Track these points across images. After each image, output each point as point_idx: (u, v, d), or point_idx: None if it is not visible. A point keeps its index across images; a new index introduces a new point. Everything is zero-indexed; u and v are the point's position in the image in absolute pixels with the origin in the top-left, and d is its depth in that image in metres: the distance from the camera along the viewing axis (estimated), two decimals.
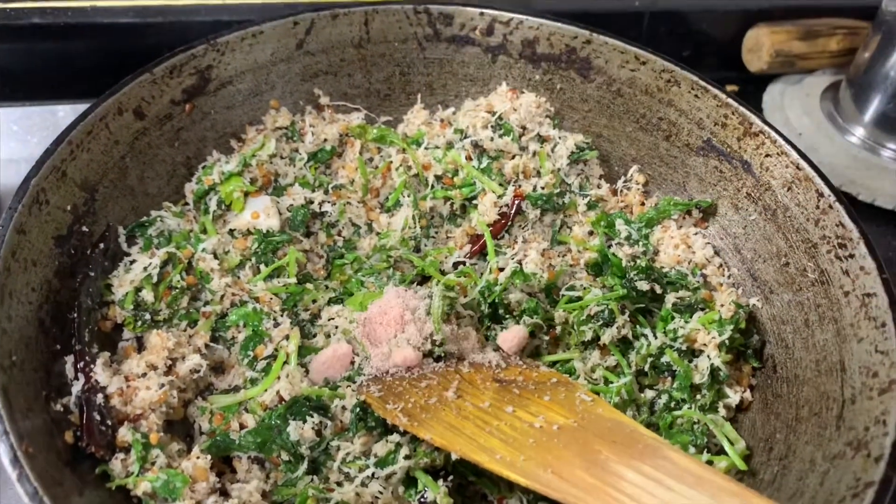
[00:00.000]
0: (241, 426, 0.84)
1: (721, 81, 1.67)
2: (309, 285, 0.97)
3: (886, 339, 0.77)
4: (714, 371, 0.88)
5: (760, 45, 1.63)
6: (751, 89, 1.66)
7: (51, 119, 1.43)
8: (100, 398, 0.75)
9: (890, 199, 1.43)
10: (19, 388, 0.70)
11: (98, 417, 0.74)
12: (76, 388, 0.75)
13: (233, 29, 1.01)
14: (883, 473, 0.67)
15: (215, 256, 0.94)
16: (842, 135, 1.55)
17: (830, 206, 0.89)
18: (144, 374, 0.80)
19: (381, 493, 0.79)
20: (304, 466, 0.82)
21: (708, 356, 0.89)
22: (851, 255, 0.85)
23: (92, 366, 0.78)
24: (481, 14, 1.09)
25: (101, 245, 0.88)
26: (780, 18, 1.64)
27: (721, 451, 0.85)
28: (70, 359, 0.78)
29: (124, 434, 0.76)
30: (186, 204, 1.00)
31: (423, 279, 1.00)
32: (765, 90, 1.66)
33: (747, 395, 0.90)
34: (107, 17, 1.44)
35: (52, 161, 0.84)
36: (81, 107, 1.43)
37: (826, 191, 0.90)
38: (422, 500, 0.79)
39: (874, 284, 0.81)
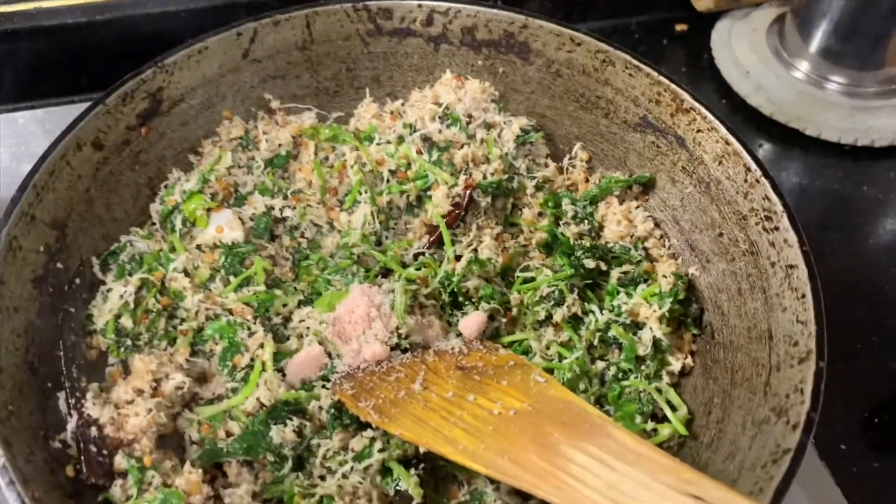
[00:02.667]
0: (228, 434, 0.92)
1: (671, 22, 1.72)
2: (278, 291, 1.03)
3: (806, 310, 0.85)
4: (656, 342, 0.96)
5: None
6: (700, 27, 1.69)
7: (13, 126, 1.45)
8: (94, 431, 0.83)
9: (835, 132, 1.48)
10: (19, 435, 0.76)
11: (94, 449, 0.81)
12: (71, 424, 0.82)
13: (178, 48, 1.04)
14: (798, 441, 0.76)
15: (186, 274, 0.99)
16: (787, 70, 1.59)
17: (757, 181, 0.95)
18: (132, 401, 0.87)
19: (360, 483, 0.87)
20: (288, 465, 0.89)
21: (650, 328, 0.97)
22: (776, 228, 0.92)
23: (83, 401, 0.84)
24: (419, 6, 1.12)
25: (78, 279, 0.94)
26: None
27: (666, 418, 0.93)
28: (62, 395, 0.85)
29: (120, 461, 0.83)
30: (153, 224, 1.05)
31: (387, 271, 1.06)
32: (714, 27, 1.69)
33: (689, 360, 0.99)
34: (54, 19, 1.45)
35: (19, 208, 0.88)
36: (40, 112, 1.47)
37: (753, 165, 0.95)
38: (397, 488, 0.87)
39: (796, 257, 0.88)
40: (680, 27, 1.72)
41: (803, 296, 0.86)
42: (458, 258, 1.04)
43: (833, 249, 1.35)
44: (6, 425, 0.75)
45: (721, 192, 0.99)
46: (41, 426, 0.81)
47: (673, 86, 1.03)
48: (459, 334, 1.01)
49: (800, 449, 0.75)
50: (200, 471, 0.86)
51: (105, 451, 0.82)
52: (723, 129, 0.99)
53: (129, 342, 0.95)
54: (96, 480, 0.81)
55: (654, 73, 1.04)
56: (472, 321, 1.00)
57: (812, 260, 0.87)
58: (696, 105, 1.01)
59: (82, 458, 0.80)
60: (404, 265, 1.06)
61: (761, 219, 0.94)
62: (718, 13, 1.70)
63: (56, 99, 1.49)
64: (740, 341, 0.93)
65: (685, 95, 1.02)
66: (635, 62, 1.06)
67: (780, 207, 0.92)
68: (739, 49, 1.64)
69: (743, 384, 0.89)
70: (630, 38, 1.68)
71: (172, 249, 1.02)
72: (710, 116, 1.00)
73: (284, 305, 1.02)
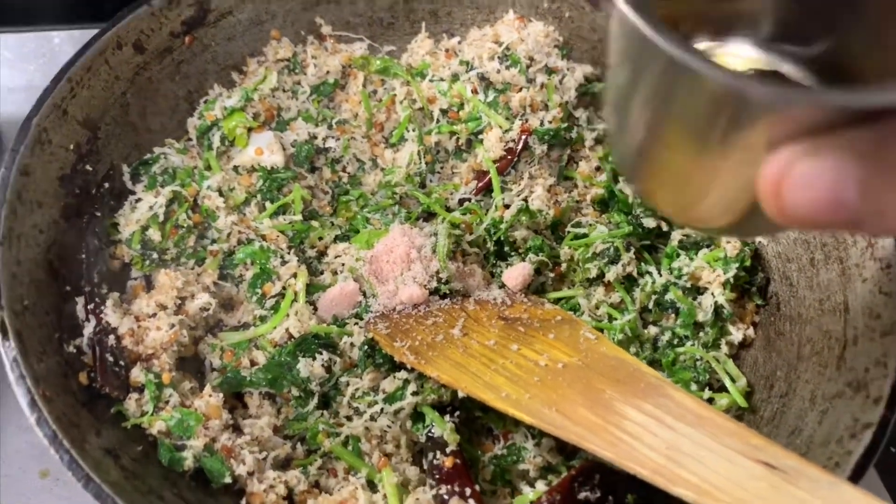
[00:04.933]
0: (252, 363, 0.86)
1: None
2: (315, 223, 0.97)
3: (891, 281, 0.77)
4: (718, 308, 0.89)
5: None
6: None
7: (47, 46, 1.39)
8: (111, 339, 0.77)
9: None
10: (33, 332, 0.71)
11: (111, 358, 0.75)
12: (88, 329, 0.76)
13: None
14: (881, 415, 0.69)
15: (220, 194, 0.93)
16: None
17: None
18: (154, 314, 0.81)
19: (389, 427, 0.81)
20: (314, 401, 0.84)
21: (712, 294, 0.90)
22: None
23: (102, 307, 0.78)
24: None
25: (106, 184, 0.88)
26: None
27: (723, 388, 0.87)
28: (80, 300, 0.79)
29: (137, 374, 0.77)
30: (190, 139, 0.99)
31: (429, 215, 1.00)
32: None
33: (750, 332, 0.91)
34: None
35: (52, 99, 0.82)
36: (76, 33, 1.41)
37: None
38: (429, 434, 0.81)
39: None
40: None
41: (888, 266, 0.79)
42: (506, 207, 0.98)
43: None
44: (20, 319, 0.70)
45: None
46: (56, 328, 0.75)
47: None
48: (502, 286, 0.94)
49: (883, 423, 0.68)
50: (221, 395, 0.80)
51: (121, 363, 0.77)
52: None
53: (154, 256, 0.89)
54: (110, 391, 0.75)
55: None
56: (517, 272, 0.93)
57: None
58: None
59: (97, 366, 0.74)
60: (448, 210, 1.00)
61: None
62: None
63: (93, 23, 1.43)
64: (810, 314, 0.86)
65: None
66: None
67: None
68: None
69: (811, 358, 0.82)
70: None
71: (208, 167, 0.96)
72: None
73: (320, 239, 0.96)
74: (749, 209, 0.40)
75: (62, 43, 1.39)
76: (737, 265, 0.90)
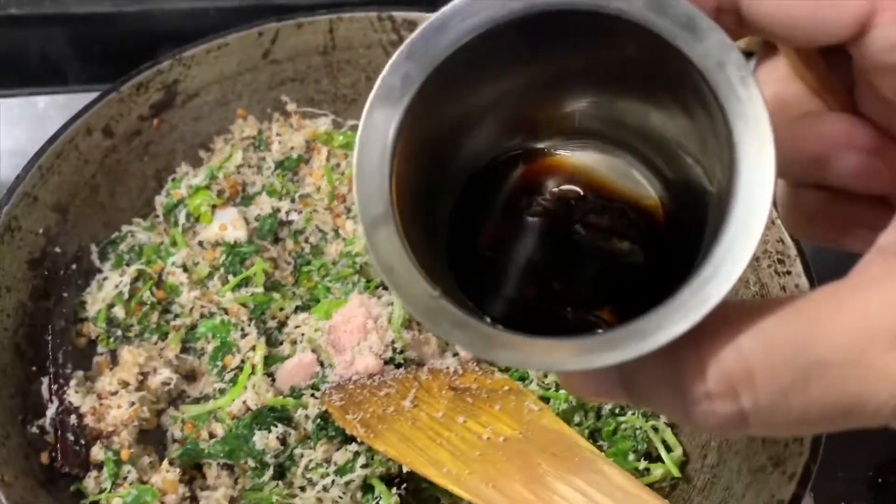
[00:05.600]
0: (211, 435, 0.90)
1: None
2: (276, 294, 1.01)
3: None
4: None
5: None
6: None
7: (32, 110, 1.45)
8: (73, 419, 0.81)
9: None
10: None
11: (72, 437, 0.80)
12: (51, 411, 0.81)
13: (197, 42, 1.03)
14: (793, 492, 0.73)
15: (185, 269, 0.98)
16: None
17: (773, 223, 0.92)
18: (116, 392, 0.85)
19: (340, 497, 0.85)
20: (269, 472, 0.87)
21: None
22: (788, 272, 0.89)
23: (66, 388, 0.83)
24: None
25: (74, 265, 0.93)
26: None
27: (661, 458, 0.91)
28: (45, 380, 0.83)
29: (97, 452, 0.81)
30: (157, 216, 1.04)
31: None
32: None
33: None
34: (84, 7, 1.45)
35: (22, 188, 0.87)
36: (61, 97, 1.47)
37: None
38: None
39: None
40: None
41: None
42: None
43: None
44: None
45: None
46: (20, 410, 0.79)
47: None
48: (456, 354, 0.99)
49: (794, 500, 0.72)
50: (178, 470, 0.84)
51: (83, 441, 0.81)
52: None
53: (119, 333, 0.93)
54: (70, 470, 0.79)
55: None
56: None
57: None
58: None
59: (59, 445, 0.79)
60: None
61: (774, 261, 0.91)
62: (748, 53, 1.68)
63: (78, 86, 1.49)
64: None
65: None
66: None
67: (793, 251, 0.89)
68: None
69: None
70: None
71: (174, 243, 1.01)
72: None
73: (281, 309, 1.01)
74: None
75: (47, 107, 1.45)
76: None
